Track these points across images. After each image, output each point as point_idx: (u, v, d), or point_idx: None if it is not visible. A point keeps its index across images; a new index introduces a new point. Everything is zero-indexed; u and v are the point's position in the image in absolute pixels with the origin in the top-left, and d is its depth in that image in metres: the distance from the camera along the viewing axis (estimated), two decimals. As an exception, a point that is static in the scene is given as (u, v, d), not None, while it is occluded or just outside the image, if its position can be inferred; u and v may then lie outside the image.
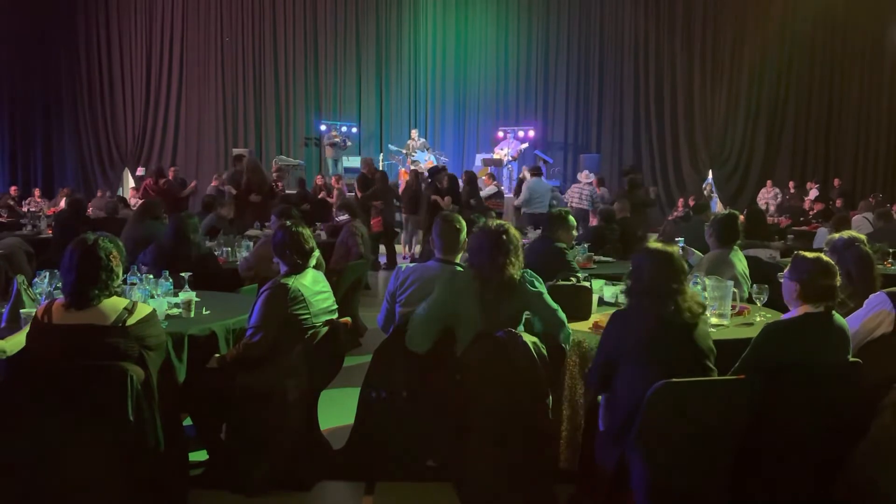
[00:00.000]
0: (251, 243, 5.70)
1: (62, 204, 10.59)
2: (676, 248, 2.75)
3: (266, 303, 3.16)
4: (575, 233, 5.02)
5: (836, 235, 3.42)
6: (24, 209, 11.73)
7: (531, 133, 15.58)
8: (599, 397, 2.81)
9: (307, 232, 3.37)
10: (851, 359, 2.66)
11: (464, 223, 3.50)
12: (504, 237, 3.04)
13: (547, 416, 2.98)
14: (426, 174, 10.68)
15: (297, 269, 3.30)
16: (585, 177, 11.51)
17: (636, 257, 2.77)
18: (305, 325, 3.21)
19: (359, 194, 9.77)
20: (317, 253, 3.43)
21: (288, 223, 3.39)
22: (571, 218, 4.83)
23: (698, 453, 2.52)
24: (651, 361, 2.55)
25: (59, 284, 3.41)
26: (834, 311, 2.67)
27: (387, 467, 3.33)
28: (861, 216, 7.97)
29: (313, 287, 3.29)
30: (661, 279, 2.62)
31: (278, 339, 3.16)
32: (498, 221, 3.22)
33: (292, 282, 3.20)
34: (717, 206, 13.84)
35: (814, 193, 12.68)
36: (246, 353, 3.15)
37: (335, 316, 3.40)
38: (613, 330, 2.70)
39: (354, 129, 16.19)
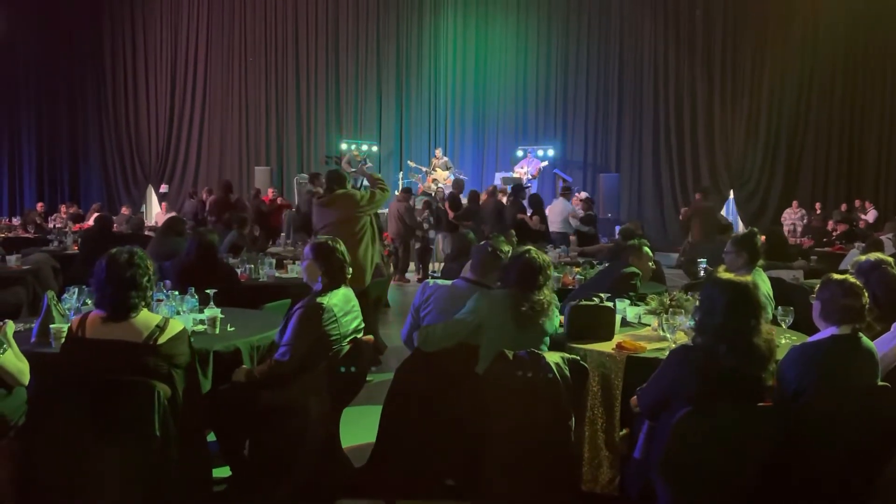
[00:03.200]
0: (273, 261, 5.74)
1: (91, 220, 10.74)
2: (750, 279, 2.53)
3: (301, 322, 3.18)
4: (652, 265, 4.70)
5: (863, 257, 3.39)
6: (51, 225, 11.91)
7: (550, 152, 15.61)
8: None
9: (344, 248, 3.40)
10: (881, 383, 2.63)
11: (508, 254, 3.50)
12: (536, 264, 3.17)
13: (569, 437, 2.96)
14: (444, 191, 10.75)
15: (336, 284, 3.32)
16: (577, 200, 11.44)
17: (708, 290, 2.56)
18: (334, 346, 3.23)
19: (450, 214, 10.08)
20: (350, 271, 3.46)
21: (329, 240, 3.41)
22: (647, 249, 4.59)
23: (722, 480, 2.49)
24: (711, 404, 2.44)
25: (88, 300, 3.47)
26: (861, 334, 2.64)
27: (407, 486, 3.32)
28: (886, 237, 7.87)
29: (344, 307, 3.31)
30: (736, 321, 2.43)
31: (305, 357, 3.17)
32: (528, 247, 3.31)
33: (326, 301, 3.23)
34: (740, 228, 13.77)
35: (872, 214, 12.51)
36: (277, 371, 3.17)
37: (361, 335, 3.42)
38: (677, 368, 2.53)
39: (375, 148, 16.32)
